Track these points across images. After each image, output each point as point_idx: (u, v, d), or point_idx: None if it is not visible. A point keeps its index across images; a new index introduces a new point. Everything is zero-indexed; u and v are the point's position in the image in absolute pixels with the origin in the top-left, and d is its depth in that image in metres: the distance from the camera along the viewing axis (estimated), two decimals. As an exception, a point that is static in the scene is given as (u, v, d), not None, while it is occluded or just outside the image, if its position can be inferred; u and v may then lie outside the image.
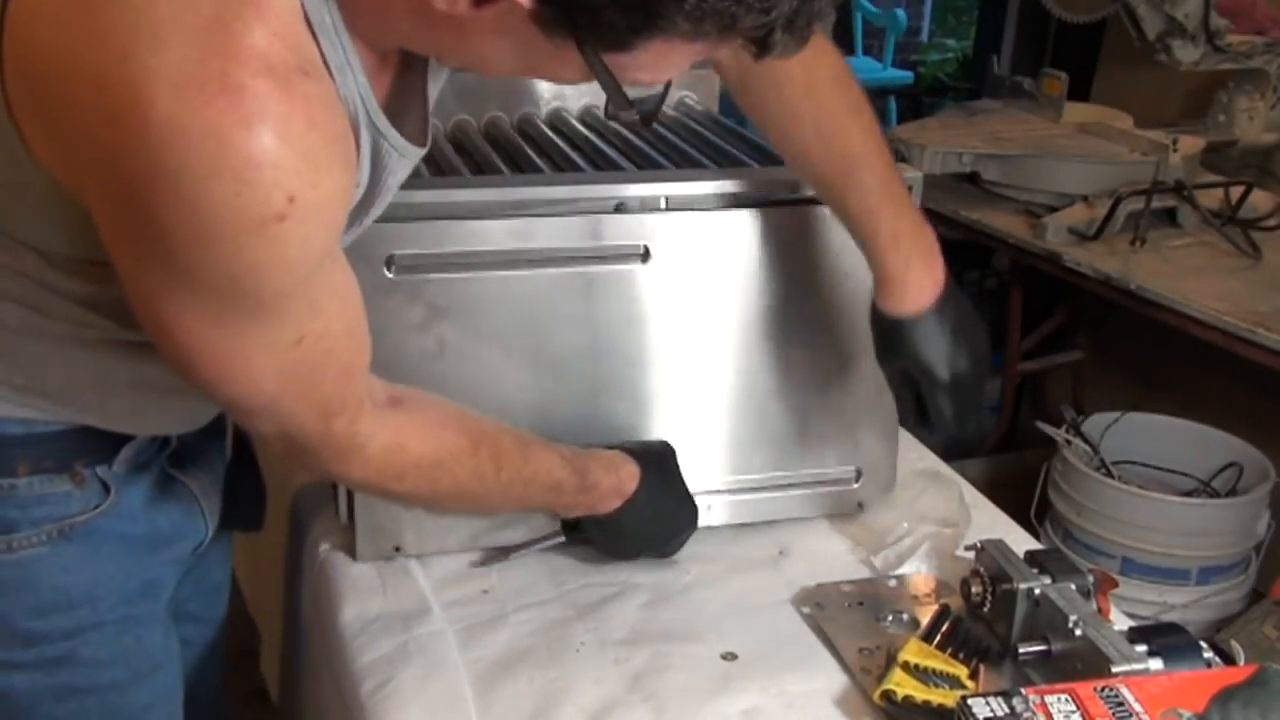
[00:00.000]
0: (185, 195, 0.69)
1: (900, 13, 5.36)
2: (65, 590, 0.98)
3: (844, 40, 5.48)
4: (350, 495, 1.15)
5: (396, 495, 1.01)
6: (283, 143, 0.69)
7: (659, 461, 1.15)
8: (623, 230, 1.15)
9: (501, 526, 1.18)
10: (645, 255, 1.16)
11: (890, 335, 1.11)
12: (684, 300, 1.18)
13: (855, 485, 1.28)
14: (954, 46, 5.99)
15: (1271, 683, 0.87)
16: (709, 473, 1.22)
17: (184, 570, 1.10)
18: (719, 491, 1.24)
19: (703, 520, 1.20)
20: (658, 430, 1.20)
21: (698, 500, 1.19)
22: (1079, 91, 2.68)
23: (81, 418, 0.95)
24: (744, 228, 1.19)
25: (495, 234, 1.12)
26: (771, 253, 1.19)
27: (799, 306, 1.21)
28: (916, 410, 1.14)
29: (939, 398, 1.11)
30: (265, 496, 1.20)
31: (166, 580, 1.07)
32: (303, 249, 0.74)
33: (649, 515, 1.13)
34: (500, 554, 1.18)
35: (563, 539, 1.17)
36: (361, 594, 1.14)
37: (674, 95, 1.56)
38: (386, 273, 1.09)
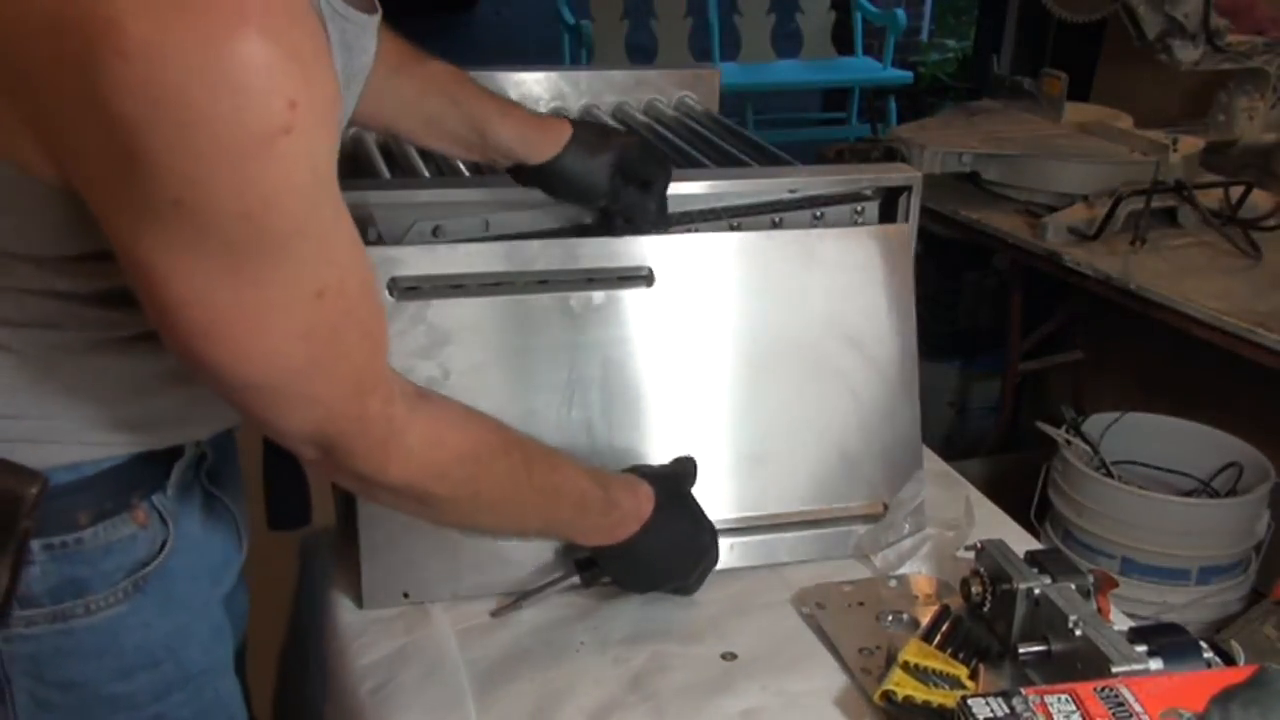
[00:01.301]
0: (182, 124, 0.63)
1: (900, 13, 5.36)
2: (149, 648, 0.93)
3: (844, 40, 5.48)
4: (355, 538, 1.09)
5: (436, 501, 0.90)
6: (270, 42, 0.64)
7: (674, 484, 1.10)
8: (625, 253, 1.14)
9: (513, 571, 1.13)
10: (649, 278, 1.15)
11: (581, 173, 1.12)
12: (690, 324, 1.16)
13: (883, 519, 1.22)
14: (954, 46, 5.99)
15: (1271, 683, 0.87)
16: (724, 509, 1.17)
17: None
18: (736, 530, 1.18)
19: (722, 562, 1.14)
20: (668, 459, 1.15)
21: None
22: (1079, 91, 2.68)
23: (130, 440, 0.89)
24: (750, 249, 1.18)
25: (496, 256, 1.11)
26: (779, 274, 1.18)
27: (811, 330, 1.19)
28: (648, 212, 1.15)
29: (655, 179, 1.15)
30: (309, 488, 1.10)
31: (226, 623, 1.03)
32: (311, 167, 0.69)
33: (666, 540, 1.06)
34: (514, 603, 1.11)
35: (578, 580, 1.11)
36: (361, 594, 1.14)
37: (674, 95, 1.57)
38: (389, 296, 1.08)
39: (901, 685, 0.97)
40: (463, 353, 1.10)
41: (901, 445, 1.23)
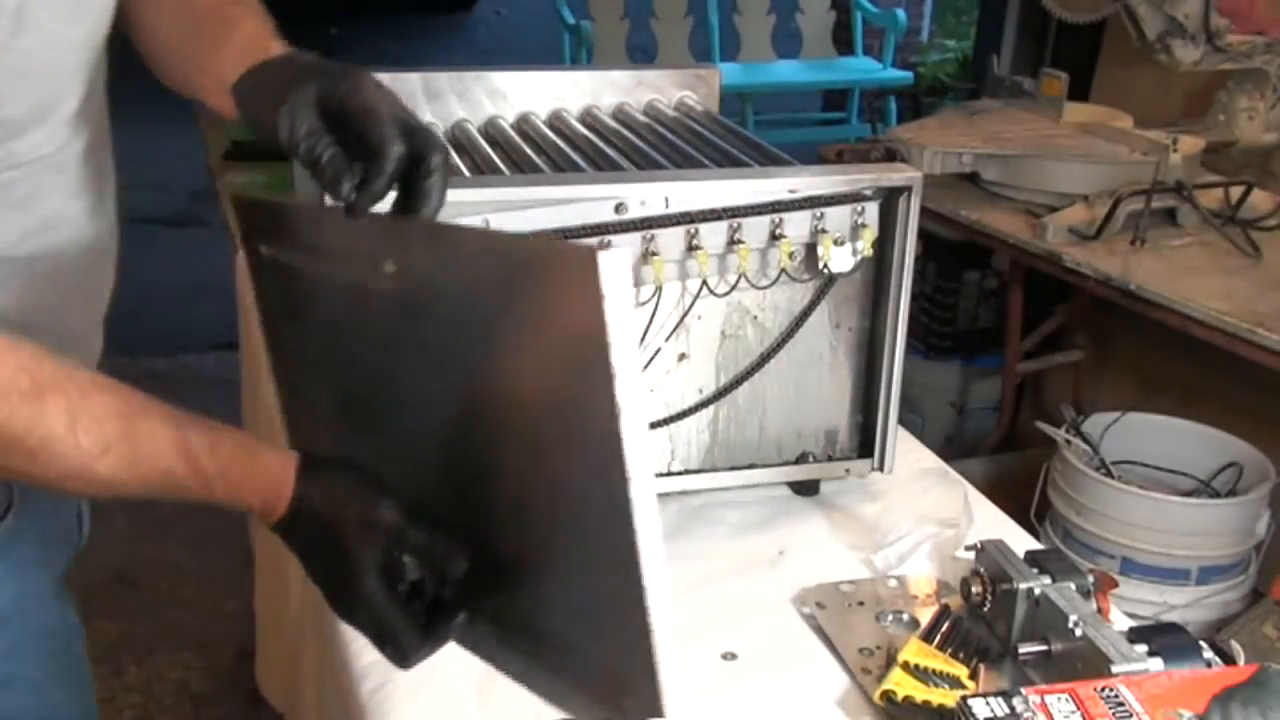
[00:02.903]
0: None
1: (900, 13, 5.36)
2: None
3: (844, 40, 5.49)
4: None
5: None
6: None
7: (344, 494, 0.82)
8: (357, 235, 0.82)
9: None
10: (393, 277, 0.80)
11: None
12: (446, 348, 0.80)
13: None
14: (954, 46, 6.00)
15: (1271, 683, 0.87)
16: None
17: None
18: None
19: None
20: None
21: None
22: (1079, 91, 2.68)
23: None
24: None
25: None
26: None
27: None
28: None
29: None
30: None
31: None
32: None
33: (317, 563, 0.84)
34: None
35: None
36: (361, 594, 1.14)
37: (674, 95, 1.57)
38: None
39: (901, 685, 0.98)
40: None
41: None
